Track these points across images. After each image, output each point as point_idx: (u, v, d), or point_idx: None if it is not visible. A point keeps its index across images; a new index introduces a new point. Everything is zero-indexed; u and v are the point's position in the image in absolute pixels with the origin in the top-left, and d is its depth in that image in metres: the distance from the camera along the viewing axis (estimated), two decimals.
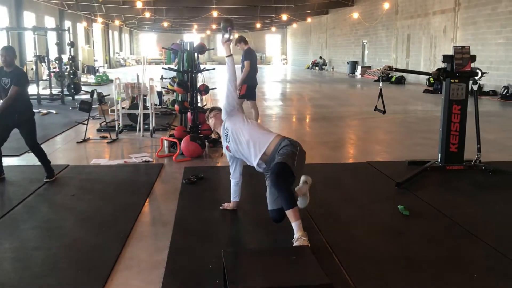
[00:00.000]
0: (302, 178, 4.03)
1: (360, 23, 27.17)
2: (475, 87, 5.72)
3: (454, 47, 5.63)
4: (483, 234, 3.73)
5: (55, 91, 14.05)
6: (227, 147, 3.99)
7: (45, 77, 16.15)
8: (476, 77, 5.63)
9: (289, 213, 3.44)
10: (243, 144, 3.80)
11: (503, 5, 14.42)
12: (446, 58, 5.64)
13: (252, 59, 7.78)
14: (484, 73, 5.67)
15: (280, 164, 3.50)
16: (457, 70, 5.53)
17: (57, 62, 14.34)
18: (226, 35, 4.06)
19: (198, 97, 7.69)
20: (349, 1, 26.42)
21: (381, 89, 5.53)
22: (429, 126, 8.88)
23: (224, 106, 4.02)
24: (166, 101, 10.82)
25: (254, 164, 3.80)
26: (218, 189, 5.14)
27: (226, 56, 4.08)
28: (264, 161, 3.76)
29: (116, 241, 3.63)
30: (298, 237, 3.39)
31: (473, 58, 5.60)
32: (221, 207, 4.27)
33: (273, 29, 45.56)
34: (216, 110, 4.21)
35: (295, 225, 3.43)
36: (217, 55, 49.65)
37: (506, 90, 13.93)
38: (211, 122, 4.17)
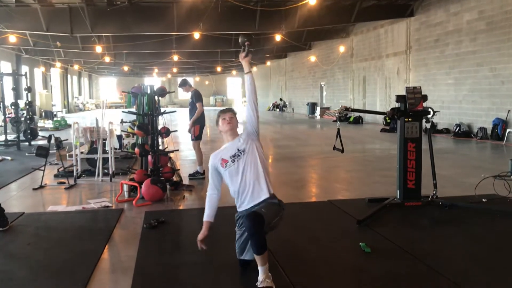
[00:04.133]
0: None
1: (318, 66, 28.02)
2: (428, 125, 5.96)
3: (406, 87, 5.88)
4: (443, 269, 3.80)
5: (11, 137, 13.67)
6: (224, 161, 3.66)
7: (0, 122, 15.73)
8: (429, 116, 5.87)
9: (258, 258, 3.39)
10: (247, 180, 3.59)
11: (450, 48, 15.26)
12: (399, 98, 5.87)
13: (202, 100, 7.98)
14: (436, 112, 5.92)
15: (258, 214, 3.44)
16: (410, 110, 5.76)
17: (13, 107, 14.03)
18: (244, 51, 3.81)
19: (159, 140, 7.66)
20: (306, 45, 27.30)
21: (338, 129, 5.68)
22: (387, 164, 9.11)
23: (246, 127, 3.75)
24: (126, 145, 10.70)
25: (243, 203, 3.64)
26: (180, 233, 5.05)
27: (246, 73, 3.77)
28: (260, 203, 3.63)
29: None
30: (263, 280, 3.35)
31: (424, 98, 5.85)
32: (199, 246, 3.76)
33: (234, 72, 46.29)
34: (233, 112, 3.80)
35: (261, 269, 3.39)
36: (178, 98, 49.85)
37: (458, 127, 14.53)
38: (222, 124, 3.73)
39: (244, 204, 3.67)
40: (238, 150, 3.64)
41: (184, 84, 8.17)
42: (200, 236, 3.75)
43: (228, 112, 3.76)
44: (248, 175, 3.60)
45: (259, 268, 3.39)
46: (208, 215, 3.78)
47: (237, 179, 3.62)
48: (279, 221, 3.68)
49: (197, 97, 8.02)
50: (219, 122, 3.76)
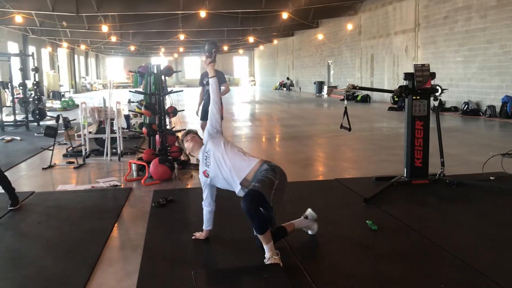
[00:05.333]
0: (310, 214, 4.14)
1: (325, 44, 27.75)
2: (436, 103, 5.92)
3: (414, 65, 5.83)
4: (449, 246, 3.82)
5: (20, 117, 13.75)
6: (204, 172, 3.84)
7: (8, 103, 15.81)
8: (437, 94, 5.82)
9: (261, 237, 3.43)
10: (225, 169, 3.65)
11: (460, 25, 15.03)
12: (407, 76, 5.83)
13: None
14: (444, 89, 5.86)
15: (253, 192, 3.42)
16: (418, 87, 5.72)
17: (21, 88, 14.08)
18: (211, 57, 3.99)
19: (167, 120, 7.68)
20: (313, 23, 26.98)
21: (345, 107, 5.65)
22: (395, 143, 9.09)
23: (207, 129, 3.91)
24: (134, 125, 10.74)
25: (237, 190, 3.67)
26: (188, 211, 5.10)
27: (210, 77, 4.02)
28: (246, 186, 3.58)
29: (84, 267, 3.55)
30: (269, 257, 3.39)
31: (432, 75, 5.79)
32: (192, 237, 4.08)
33: (241, 51, 46.00)
34: (193, 132, 4.06)
35: (266, 247, 3.43)
36: (185, 77, 49.71)
37: (466, 106, 14.41)
38: (187, 145, 3.97)
39: (236, 187, 3.66)
40: (206, 153, 3.82)
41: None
42: (197, 235, 4.06)
43: (189, 134, 4.02)
44: (225, 165, 3.67)
45: (264, 247, 3.43)
46: (206, 226, 4.04)
47: (221, 174, 3.70)
48: (282, 182, 3.60)
49: (223, 78, 8.06)
50: (185, 145, 4.02)
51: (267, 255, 3.41)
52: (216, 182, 3.83)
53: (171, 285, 3.22)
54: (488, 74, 13.96)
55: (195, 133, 4.08)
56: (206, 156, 3.80)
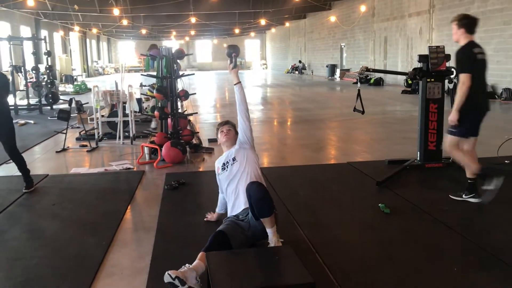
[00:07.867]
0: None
1: (338, 26, 27.44)
2: (450, 86, 5.83)
3: (429, 46, 5.74)
4: (461, 229, 3.80)
5: (33, 101, 13.86)
6: (218, 168, 3.78)
7: (22, 87, 15.93)
8: (452, 76, 5.74)
9: (268, 220, 3.32)
10: (240, 188, 3.56)
11: (476, 6, 14.74)
12: (422, 58, 5.74)
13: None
14: None
15: (261, 183, 3.42)
16: (433, 69, 5.63)
17: (34, 72, 14.16)
18: (232, 62, 3.82)
19: (178, 103, 7.68)
20: (326, 5, 26.67)
21: (359, 90, 5.61)
22: (408, 126, 9.00)
23: (239, 136, 3.76)
24: (146, 108, 10.77)
25: (234, 208, 3.60)
26: (200, 194, 5.13)
27: (234, 84, 3.77)
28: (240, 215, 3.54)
29: (98, 248, 3.60)
30: (276, 240, 3.32)
31: (448, 57, 5.70)
32: (205, 219, 4.11)
33: (252, 34, 45.67)
34: (230, 124, 3.88)
35: (271, 230, 3.36)
36: (197, 61, 49.61)
37: None
38: (220, 136, 3.81)
39: (235, 209, 3.61)
40: (230, 158, 3.70)
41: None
42: (209, 217, 4.10)
43: (226, 125, 3.86)
44: (241, 184, 3.58)
45: (269, 230, 3.33)
46: (219, 209, 4.06)
47: (229, 185, 3.65)
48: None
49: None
50: (218, 135, 3.88)
51: (273, 239, 3.36)
52: (220, 182, 3.81)
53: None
54: (504, 56, 13.71)
55: (233, 126, 3.89)
56: (229, 162, 3.69)
